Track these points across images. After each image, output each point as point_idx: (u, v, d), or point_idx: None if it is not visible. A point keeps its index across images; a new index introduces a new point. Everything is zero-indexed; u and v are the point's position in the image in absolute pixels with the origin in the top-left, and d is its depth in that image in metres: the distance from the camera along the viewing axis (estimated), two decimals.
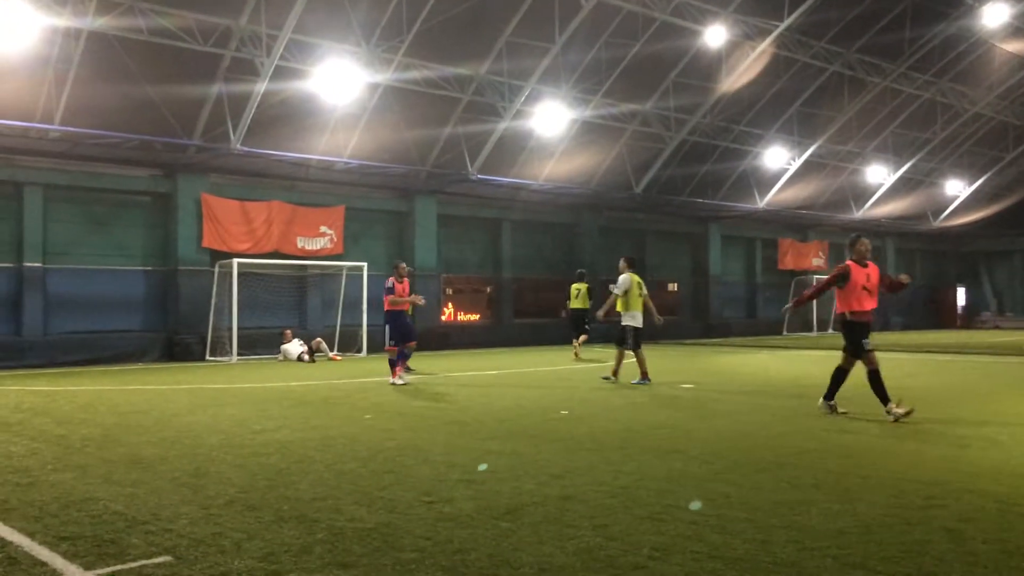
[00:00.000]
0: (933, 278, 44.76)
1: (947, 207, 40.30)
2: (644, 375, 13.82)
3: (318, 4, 19.12)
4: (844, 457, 7.27)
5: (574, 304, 21.20)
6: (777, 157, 30.95)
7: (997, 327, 41.04)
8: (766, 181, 32.14)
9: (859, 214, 36.70)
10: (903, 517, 5.25)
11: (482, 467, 6.86)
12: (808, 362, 19.53)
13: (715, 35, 24.22)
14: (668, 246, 33.37)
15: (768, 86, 28.41)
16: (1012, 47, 31.18)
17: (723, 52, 25.78)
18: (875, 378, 9.48)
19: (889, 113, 32.36)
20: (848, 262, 9.83)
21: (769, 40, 25.40)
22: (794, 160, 31.40)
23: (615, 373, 14.15)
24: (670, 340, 29.57)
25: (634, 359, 13.95)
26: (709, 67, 26.42)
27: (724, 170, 31.11)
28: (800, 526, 5.04)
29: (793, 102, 29.72)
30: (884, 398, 9.42)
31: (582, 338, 20.89)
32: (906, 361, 19.44)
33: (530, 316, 28.56)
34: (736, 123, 29.38)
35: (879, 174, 35.06)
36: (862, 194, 36.20)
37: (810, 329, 35.37)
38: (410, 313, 15.46)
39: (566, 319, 22.84)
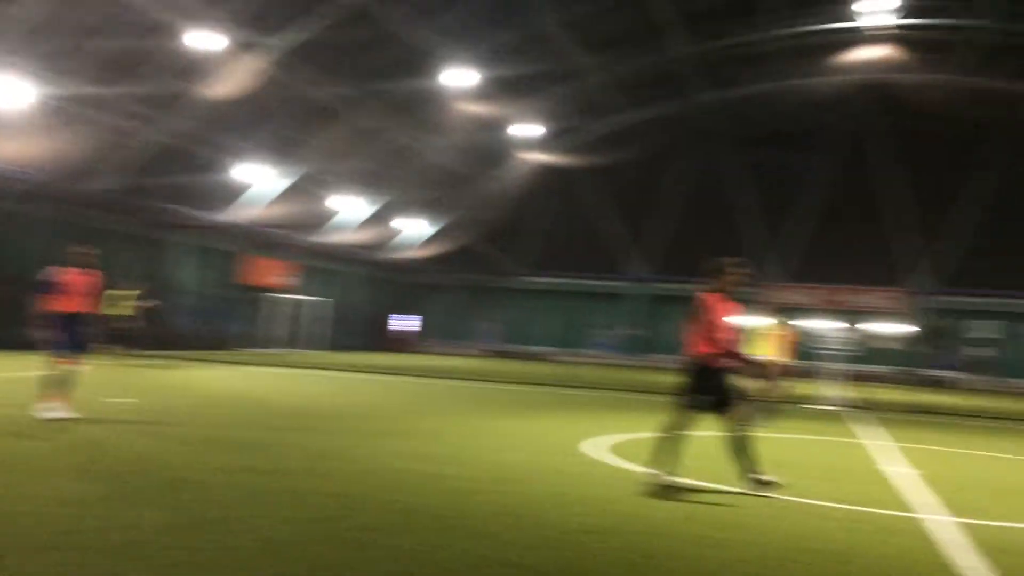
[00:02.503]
0: (381, 304, 48.29)
1: (399, 241, 44.20)
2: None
3: None
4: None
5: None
6: (251, 173, 31.06)
7: (432, 352, 46.16)
8: (235, 195, 32.03)
9: (321, 238, 38.47)
10: (309, 534, 5.42)
11: None
12: (259, 379, 19.90)
13: (201, 39, 23.62)
14: (129, 251, 31.19)
15: (250, 102, 28.49)
16: (477, 107, 35.43)
17: (209, 58, 25.25)
18: None
19: (360, 146, 34.60)
20: None
21: (255, 56, 25.54)
22: (271, 179, 31.80)
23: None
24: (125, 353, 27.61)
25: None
26: (191, 71, 25.65)
27: (194, 180, 30.25)
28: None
29: (273, 121, 30.21)
30: None
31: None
32: (332, 379, 20.83)
33: None
34: (212, 134, 28.86)
35: (346, 202, 37.30)
36: (325, 219, 38.07)
37: (258, 345, 35.71)
38: None
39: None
